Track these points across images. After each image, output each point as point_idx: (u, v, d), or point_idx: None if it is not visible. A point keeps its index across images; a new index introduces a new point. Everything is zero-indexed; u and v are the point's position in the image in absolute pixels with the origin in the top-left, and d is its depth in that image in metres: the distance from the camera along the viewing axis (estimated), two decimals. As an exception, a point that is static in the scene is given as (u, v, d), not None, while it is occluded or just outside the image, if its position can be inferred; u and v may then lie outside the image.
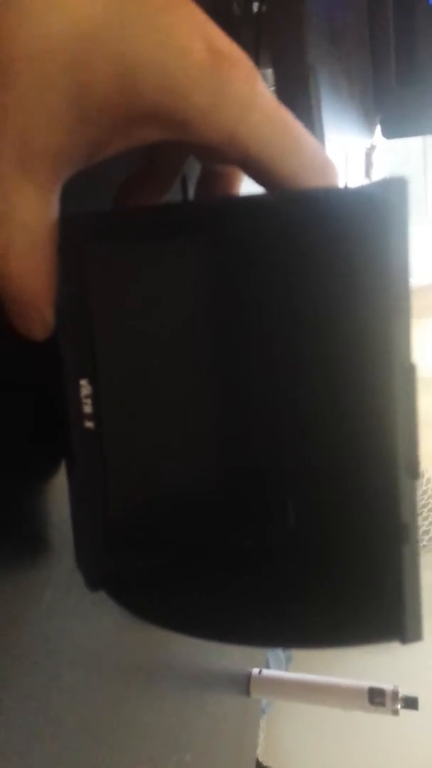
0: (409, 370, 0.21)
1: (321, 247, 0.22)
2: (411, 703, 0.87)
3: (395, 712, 0.86)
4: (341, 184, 0.24)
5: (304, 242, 0.22)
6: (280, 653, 2.06)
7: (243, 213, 0.23)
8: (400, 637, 0.23)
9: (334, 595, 0.24)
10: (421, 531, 2.21)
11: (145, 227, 0.23)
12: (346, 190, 0.22)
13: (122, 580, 0.26)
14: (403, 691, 0.87)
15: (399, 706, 0.86)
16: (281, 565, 0.25)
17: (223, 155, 0.23)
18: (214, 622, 0.25)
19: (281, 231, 0.22)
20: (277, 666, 2.01)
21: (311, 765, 2.03)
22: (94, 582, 0.26)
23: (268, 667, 0.88)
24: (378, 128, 0.71)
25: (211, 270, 0.23)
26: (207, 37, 0.21)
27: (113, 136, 0.21)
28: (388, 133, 0.70)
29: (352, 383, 0.22)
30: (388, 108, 0.67)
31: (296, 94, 0.33)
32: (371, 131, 0.67)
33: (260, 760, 1.83)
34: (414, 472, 0.22)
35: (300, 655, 2.22)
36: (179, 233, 0.23)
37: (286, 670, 2.03)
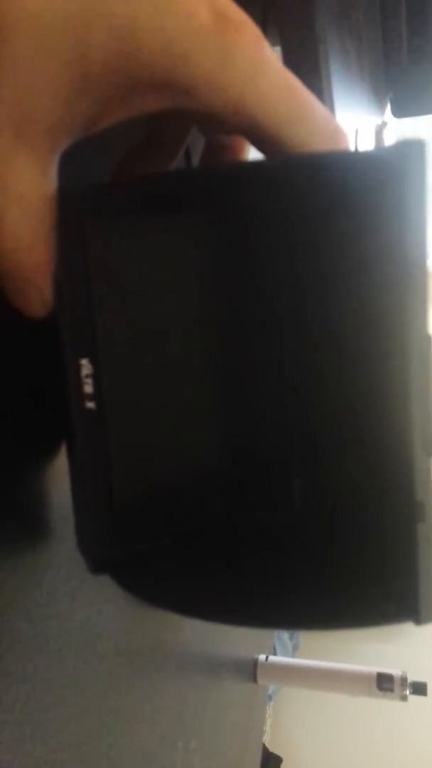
0: (426, 341, 0.20)
1: (334, 213, 0.21)
2: (420, 688, 0.87)
3: (404, 698, 0.86)
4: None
5: (317, 208, 0.21)
6: (287, 641, 2.07)
7: (251, 179, 0.22)
8: (414, 618, 0.22)
9: (345, 575, 0.23)
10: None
11: (147, 199, 0.22)
12: (360, 153, 0.21)
13: (125, 562, 0.25)
14: (412, 677, 0.87)
15: (408, 692, 0.86)
16: (289, 546, 0.24)
17: (228, 124, 0.22)
18: (220, 604, 0.25)
19: (292, 197, 0.21)
20: (284, 653, 2.02)
21: (318, 752, 2.04)
22: (96, 565, 0.25)
23: (275, 654, 0.88)
24: (388, 106, 0.69)
25: (217, 241, 0.22)
26: (211, 0, 0.20)
27: (113, 104, 0.20)
28: (399, 112, 0.69)
29: (365, 355, 0.21)
30: (399, 86, 0.65)
31: (305, 64, 0.31)
32: (382, 109, 0.66)
33: (267, 747, 1.85)
34: (430, 448, 0.21)
35: (307, 643, 2.23)
36: (183, 204, 0.22)
37: (293, 657, 2.04)
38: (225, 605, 0.25)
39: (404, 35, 0.66)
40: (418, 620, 0.22)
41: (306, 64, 0.32)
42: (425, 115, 0.73)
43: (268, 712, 2.00)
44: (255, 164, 0.22)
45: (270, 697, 1.97)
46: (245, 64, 0.20)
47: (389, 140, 0.70)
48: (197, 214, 0.22)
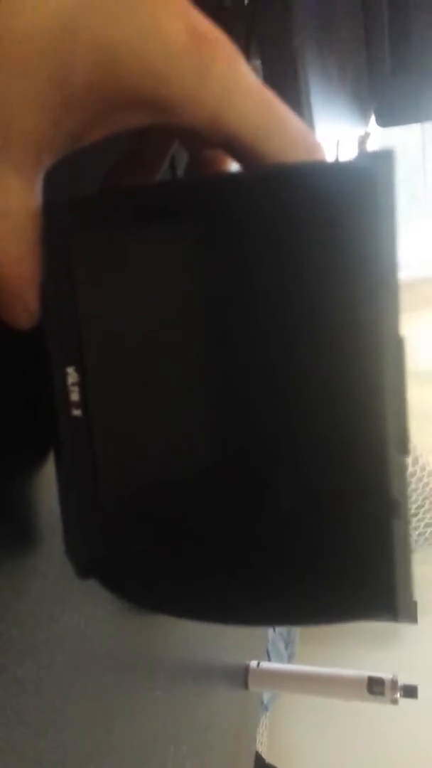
0: (398, 344, 0.21)
1: (308, 220, 0.22)
2: (410, 691, 0.87)
3: (395, 701, 0.86)
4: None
5: (292, 216, 0.22)
6: (282, 649, 2.07)
7: (228, 190, 0.22)
8: (392, 614, 0.23)
9: (327, 573, 0.24)
10: (423, 524, 2.21)
11: (129, 211, 0.23)
12: (333, 164, 0.22)
13: (112, 567, 0.26)
14: (403, 680, 0.88)
15: (398, 695, 0.86)
16: (274, 546, 0.25)
17: (208, 138, 0.22)
18: (206, 604, 0.25)
19: (266, 205, 0.22)
20: (280, 662, 2.01)
21: (315, 762, 2.03)
22: (84, 570, 0.26)
23: (268, 658, 0.88)
24: (372, 117, 0.70)
25: (200, 250, 0.23)
26: (187, 20, 0.20)
27: (96, 122, 0.21)
28: (383, 122, 0.70)
29: (342, 358, 0.22)
30: (383, 96, 0.66)
31: (284, 78, 0.32)
32: (366, 119, 0.67)
33: (264, 758, 1.84)
34: (404, 448, 0.22)
35: (303, 651, 2.22)
36: (165, 215, 0.22)
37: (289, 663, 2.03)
38: (211, 604, 0.25)
39: (387, 46, 0.67)
40: (396, 617, 0.23)
41: (285, 77, 0.33)
42: (410, 123, 0.74)
43: (264, 722, 1.99)
44: (231, 176, 0.23)
45: (266, 707, 1.96)
46: (221, 82, 0.21)
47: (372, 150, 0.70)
48: (180, 225, 0.22)
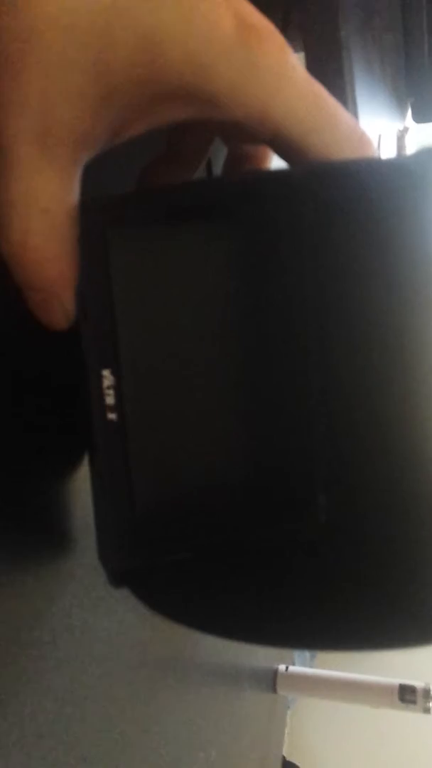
0: None
1: (358, 221, 0.21)
2: (442, 701, 0.86)
3: (426, 710, 0.85)
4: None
5: (341, 216, 0.21)
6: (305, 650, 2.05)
7: (276, 189, 0.21)
8: None
9: (368, 595, 0.23)
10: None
11: (169, 210, 0.22)
12: (383, 161, 0.21)
13: (145, 577, 0.25)
14: (434, 689, 0.86)
15: (430, 704, 0.85)
16: (312, 564, 0.24)
17: (253, 133, 0.22)
18: (239, 622, 0.25)
19: (313, 204, 0.21)
20: (302, 662, 2.00)
21: (336, 761, 2.02)
22: (116, 578, 0.25)
23: (293, 662, 0.87)
24: (409, 111, 0.69)
25: (242, 251, 0.22)
26: (235, 9, 0.20)
27: (137, 115, 0.20)
28: (419, 117, 0.69)
29: (391, 368, 0.21)
30: (420, 91, 0.65)
31: (329, 71, 0.31)
32: (403, 114, 0.66)
33: (285, 755, 1.83)
34: None
35: (323, 654, 2.20)
36: (207, 214, 0.22)
37: (311, 666, 2.03)
38: (245, 624, 0.24)
39: (426, 42, 0.65)
40: None
41: (330, 70, 0.32)
42: (447, 120, 0.73)
43: (286, 720, 1.98)
44: (280, 173, 0.22)
45: (288, 705, 1.95)
46: (270, 74, 0.20)
47: (410, 145, 0.69)
48: (221, 225, 0.22)
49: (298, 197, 0.21)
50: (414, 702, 0.83)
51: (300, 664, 0.89)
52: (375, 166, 0.21)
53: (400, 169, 0.20)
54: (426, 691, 0.84)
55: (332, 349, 0.22)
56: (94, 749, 0.33)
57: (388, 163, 0.21)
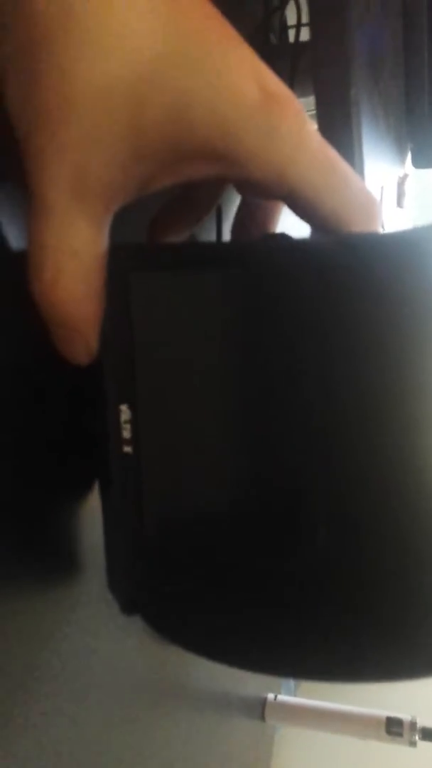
0: None
1: (367, 292, 0.22)
2: (429, 734, 0.85)
3: (413, 743, 0.84)
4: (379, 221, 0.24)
5: (350, 288, 0.22)
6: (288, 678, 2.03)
7: (288, 256, 0.23)
8: None
9: (368, 627, 0.23)
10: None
11: (190, 260, 0.23)
12: (391, 235, 0.23)
13: (155, 605, 0.26)
14: (422, 722, 0.86)
15: (417, 737, 0.85)
16: (312, 594, 0.25)
17: (269, 192, 0.23)
18: (245, 650, 0.25)
19: (324, 277, 0.22)
20: (287, 689, 1.98)
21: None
22: (128, 606, 0.26)
23: (280, 691, 0.87)
24: (408, 157, 0.71)
25: (252, 307, 0.23)
26: (260, 78, 0.21)
27: (165, 170, 0.22)
28: (419, 163, 0.71)
29: (393, 406, 0.22)
30: (420, 137, 0.67)
31: (339, 128, 0.33)
32: (403, 160, 0.68)
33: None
34: None
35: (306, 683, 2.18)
36: (224, 268, 0.23)
37: (295, 694, 2.00)
38: (250, 652, 0.25)
39: (427, 89, 0.68)
40: None
41: (339, 125, 0.34)
42: (444, 165, 0.75)
43: (272, 749, 1.95)
44: (296, 243, 0.23)
45: (275, 728, 1.93)
46: (289, 139, 0.21)
47: (410, 191, 0.71)
48: (235, 279, 0.23)
49: (308, 267, 0.22)
50: (401, 735, 0.83)
51: (285, 693, 0.89)
52: (384, 239, 0.23)
53: (409, 242, 0.22)
54: (413, 724, 0.84)
55: (332, 387, 0.23)
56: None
57: (398, 237, 0.22)
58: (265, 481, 0.24)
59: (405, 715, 0.85)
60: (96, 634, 0.34)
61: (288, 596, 0.25)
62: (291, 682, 2.08)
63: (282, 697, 0.83)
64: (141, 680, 0.40)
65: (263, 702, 0.82)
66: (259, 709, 0.81)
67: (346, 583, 0.24)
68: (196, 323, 0.24)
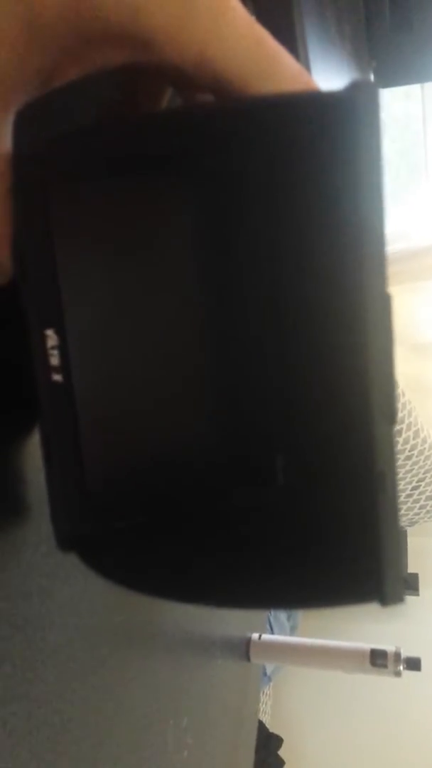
0: (385, 300, 0.20)
1: (290, 158, 0.20)
2: (413, 663, 0.87)
3: (398, 674, 0.86)
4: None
5: (273, 154, 0.20)
6: (284, 621, 2.08)
7: (217, 124, 0.20)
8: (379, 599, 0.21)
9: (315, 555, 0.22)
10: (425, 497, 2.20)
11: (107, 156, 0.21)
12: (312, 94, 0.20)
13: (96, 541, 0.25)
14: (406, 653, 0.87)
15: (401, 668, 0.86)
16: (265, 525, 0.23)
17: (194, 79, 0.21)
18: (192, 585, 0.24)
19: (238, 140, 0.20)
20: (282, 634, 2.02)
21: (319, 731, 2.06)
22: (65, 542, 0.25)
23: (272, 632, 0.88)
24: (372, 76, 0.68)
25: (183, 198, 0.21)
26: None
27: (67, 58, 0.20)
28: (383, 82, 0.68)
29: (325, 313, 0.21)
30: (382, 55, 0.64)
31: (278, 29, 0.30)
32: (365, 78, 0.65)
33: (268, 727, 1.86)
34: (391, 417, 0.20)
35: (305, 623, 2.24)
36: (142, 160, 0.21)
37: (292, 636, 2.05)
38: (195, 586, 0.24)
39: (387, 3, 0.64)
40: (383, 601, 0.21)
41: (280, 24, 0.31)
42: (410, 84, 0.72)
43: (267, 692, 2.01)
44: (209, 109, 0.21)
45: (269, 678, 1.98)
46: (206, 13, 0.19)
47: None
48: (154, 170, 0.21)
49: (224, 133, 0.20)
50: (385, 666, 0.85)
51: (279, 634, 0.90)
52: (306, 97, 0.20)
53: (332, 101, 0.19)
54: (397, 655, 0.85)
55: (286, 306, 0.21)
56: (56, 714, 0.33)
57: (321, 96, 0.20)
58: (217, 408, 0.23)
59: (389, 647, 0.86)
60: (50, 576, 0.32)
61: (243, 530, 0.24)
62: (287, 627, 2.13)
63: (266, 636, 0.83)
64: (108, 622, 0.39)
65: (247, 642, 0.83)
66: (243, 649, 0.82)
67: (302, 514, 0.23)
68: (127, 231, 0.22)
